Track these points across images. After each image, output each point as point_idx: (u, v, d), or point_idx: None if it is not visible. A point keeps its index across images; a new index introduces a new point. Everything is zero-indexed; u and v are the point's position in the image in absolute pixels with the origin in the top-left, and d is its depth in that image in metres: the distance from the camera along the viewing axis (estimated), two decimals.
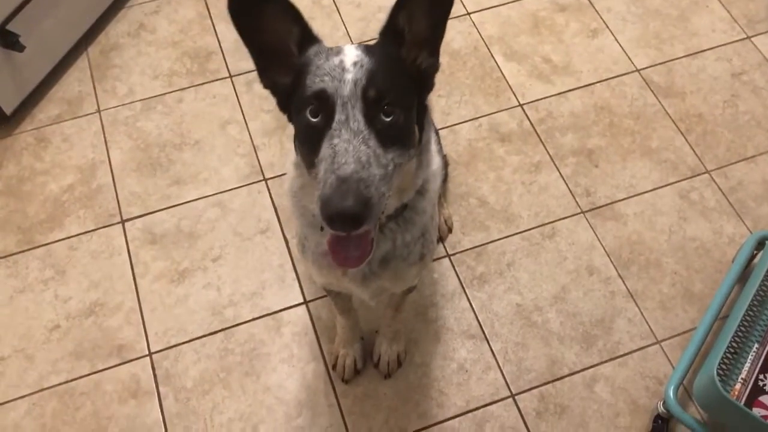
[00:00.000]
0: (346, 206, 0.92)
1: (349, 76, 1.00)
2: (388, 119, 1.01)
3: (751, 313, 1.70)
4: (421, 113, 1.13)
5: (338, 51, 1.05)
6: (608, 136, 2.24)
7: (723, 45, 2.45)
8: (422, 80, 1.12)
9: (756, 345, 1.65)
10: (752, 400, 1.56)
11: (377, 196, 0.97)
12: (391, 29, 1.07)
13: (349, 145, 0.97)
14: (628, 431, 1.77)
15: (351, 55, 1.03)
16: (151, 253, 1.99)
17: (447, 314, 1.92)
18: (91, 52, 2.38)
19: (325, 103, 1.01)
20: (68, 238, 2.01)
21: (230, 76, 2.32)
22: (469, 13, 2.50)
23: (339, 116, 0.99)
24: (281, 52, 1.08)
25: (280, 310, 1.91)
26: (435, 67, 1.12)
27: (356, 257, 1.06)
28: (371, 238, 1.07)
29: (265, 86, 1.13)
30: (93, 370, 1.82)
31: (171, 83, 2.31)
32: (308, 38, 1.08)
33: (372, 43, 1.10)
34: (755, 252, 1.94)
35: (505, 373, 1.84)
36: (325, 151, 0.99)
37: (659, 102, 2.32)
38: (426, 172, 1.21)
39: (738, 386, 1.58)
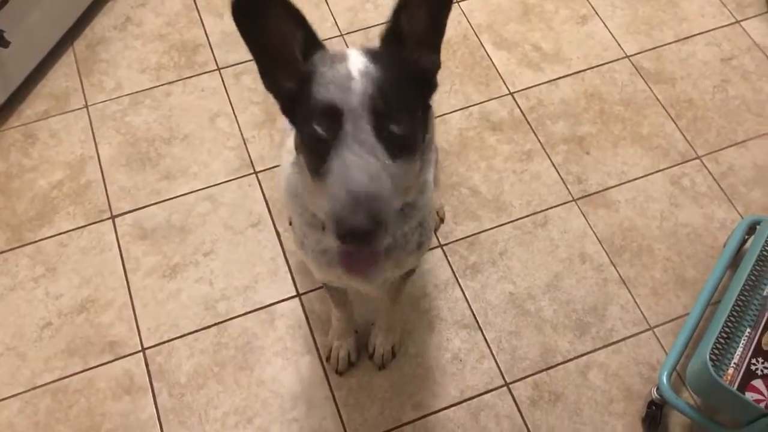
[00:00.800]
0: (359, 224, 0.91)
1: (357, 87, 0.97)
2: (397, 129, 0.98)
3: (743, 297, 1.70)
4: (425, 113, 1.10)
5: (343, 57, 1.01)
6: (599, 123, 2.24)
7: (712, 30, 2.45)
8: (425, 81, 1.09)
9: (748, 329, 1.66)
10: (745, 385, 1.56)
11: (388, 209, 0.95)
12: (394, 32, 1.04)
13: (359, 158, 0.94)
14: (623, 418, 1.78)
15: (357, 62, 1.00)
16: (142, 249, 1.98)
17: (440, 304, 1.91)
18: (78, 46, 2.35)
19: (332, 115, 0.97)
20: (58, 234, 2.00)
21: (218, 69, 2.30)
22: (458, 2, 2.48)
23: (347, 128, 0.96)
24: (285, 56, 1.05)
25: (273, 304, 1.90)
26: (437, 65, 1.09)
27: (367, 269, 1.04)
28: (381, 250, 1.05)
29: (268, 89, 1.09)
30: (86, 367, 1.81)
31: (159, 77, 2.29)
32: (313, 44, 1.05)
33: (374, 45, 1.07)
34: (746, 237, 1.95)
35: (499, 362, 1.84)
36: (332, 163, 0.96)
37: (649, 88, 2.31)
38: (428, 170, 1.20)
39: (731, 371, 1.59)
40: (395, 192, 0.98)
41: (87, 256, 1.97)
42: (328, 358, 1.81)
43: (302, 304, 1.90)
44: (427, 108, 1.12)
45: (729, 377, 1.58)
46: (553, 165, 2.15)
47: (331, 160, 0.96)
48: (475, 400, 1.79)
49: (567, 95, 2.29)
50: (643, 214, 2.07)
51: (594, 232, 2.03)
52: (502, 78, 2.32)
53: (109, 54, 2.34)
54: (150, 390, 1.78)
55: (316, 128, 0.98)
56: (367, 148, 0.95)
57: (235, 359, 1.82)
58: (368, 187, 0.93)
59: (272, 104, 1.14)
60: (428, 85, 1.10)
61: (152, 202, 2.05)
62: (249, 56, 1.02)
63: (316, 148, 0.99)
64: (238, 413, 1.75)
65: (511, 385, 1.81)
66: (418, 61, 1.07)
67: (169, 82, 2.28)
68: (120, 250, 1.98)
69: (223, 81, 2.28)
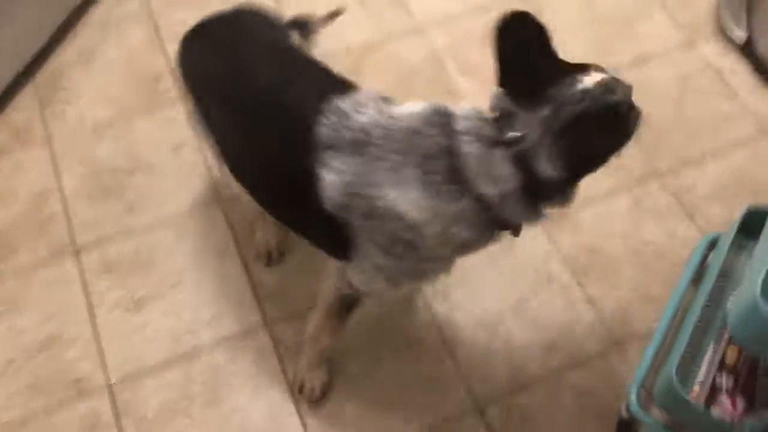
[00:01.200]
0: None
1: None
2: None
3: (706, 313, 1.73)
4: None
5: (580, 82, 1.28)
6: None
7: (669, 51, 2.51)
8: None
9: (712, 344, 1.68)
10: (711, 401, 1.58)
11: None
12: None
13: None
14: None
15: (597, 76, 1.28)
16: (107, 282, 1.95)
17: (410, 329, 1.91)
18: (39, 77, 2.33)
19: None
20: (20, 269, 1.96)
21: (181, 98, 2.29)
22: (422, 27, 2.51)
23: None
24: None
25: (241, 334, 1.88)
26: None
27: None
28: None
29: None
30: (49, 404, 1.77)
31: (122, 107, 2.27)
32: None
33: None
34: (707, 253, 1.98)
35: (469, 385, 1.84)
36: None
37: None
38: None
39: (696, 387, 1.61)
40: None
41: (50, 290, 1.93)
42: (301, 389, 1.78)
43: (270, 334, 1.89)
44: None
45: (695, 393, 1.60)
46: None
47: None
48: (446, 425, 1.78)
49: None
50: (607, 233, 2.10)
51: (560, 252, 2.06)
52: (466, 101, 2.34)
53: (71, 84, 2.32)
54: (116, 427, 1.75)
55: None
56: None
57: (203, 392, 1.80)
58: None
59: None
60: None
61: (116, 234, 2.03)
62: None
63: None
64: None
65: (481, 409, 1.81)
66: None
67: (132, 113, 2.26)
68: (84, 284, 1.95)
69: (186, 110, 2.27)
